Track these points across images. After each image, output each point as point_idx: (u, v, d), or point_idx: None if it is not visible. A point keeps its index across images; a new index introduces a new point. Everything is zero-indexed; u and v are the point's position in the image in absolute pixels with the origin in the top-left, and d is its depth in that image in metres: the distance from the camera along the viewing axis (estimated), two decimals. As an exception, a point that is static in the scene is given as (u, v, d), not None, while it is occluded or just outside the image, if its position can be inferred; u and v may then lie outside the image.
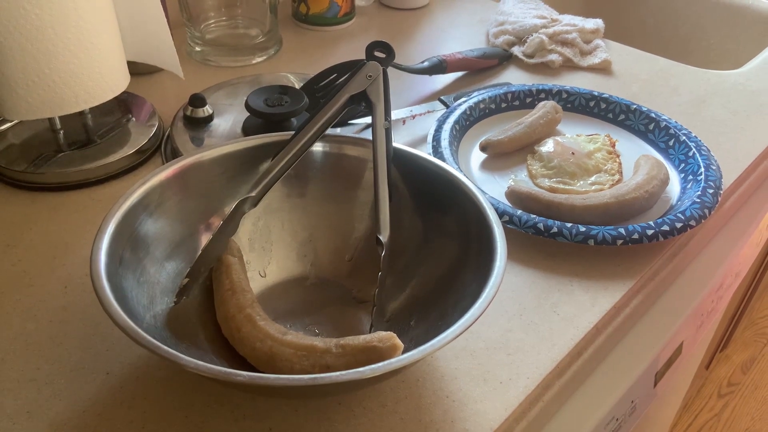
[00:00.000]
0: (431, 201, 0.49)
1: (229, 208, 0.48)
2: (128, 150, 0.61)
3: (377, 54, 0.53)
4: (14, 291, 0.49)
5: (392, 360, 0.34)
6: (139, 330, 0.34)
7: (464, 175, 0.48)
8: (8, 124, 0.61)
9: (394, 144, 0.50)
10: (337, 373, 0.33)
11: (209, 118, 0.64)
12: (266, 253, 0.51)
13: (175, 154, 0.62)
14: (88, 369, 0.44)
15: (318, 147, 0.51)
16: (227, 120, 0.64)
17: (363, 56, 0.52)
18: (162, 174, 0.45)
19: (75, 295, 0.49)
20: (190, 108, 0.63)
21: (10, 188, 0.58)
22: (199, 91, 0.66)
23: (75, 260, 0.52)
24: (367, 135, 0.50)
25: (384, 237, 0.46)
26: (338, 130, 0.63)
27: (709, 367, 1.54)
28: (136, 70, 0.63)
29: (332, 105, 0.50)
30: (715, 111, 0.75)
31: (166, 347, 0.34)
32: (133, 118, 0.65)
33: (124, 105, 0.67)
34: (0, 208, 0.56)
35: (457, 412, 0.42)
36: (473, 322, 0.36)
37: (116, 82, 0.58)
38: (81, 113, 0.62)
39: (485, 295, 0.38)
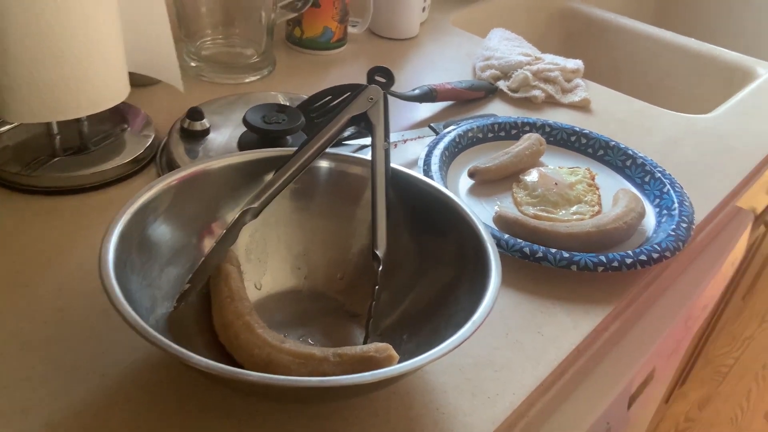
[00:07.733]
0: (428, 221, 0.50)
1: (229, 218, 0.49)
2: (124, 158, 0.62)
3: (378, 78, 0.55)
4: (9, 291, 0.49)
5: (396, 366, 0.35)
6: (149, 328, 0.35)
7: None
8: (7, 127, 0.61)
9: (394, 165, 0.52)
10: (344, 376, 0.34)
11: (206, 132, 0.65)
12: (262, 264, 0.52)
13: (171, 165, 0.62)
14: (84, 370, 0.44)
15: (321, 163, 0.53)
16: (223, 134, 0.66)
17: (353, 81, 0.54)
18: (171, 179, 0.46)
19: (70, 298, 0.49)
20: (187, 120, 0.65)
21: (4, 190, 0.58)
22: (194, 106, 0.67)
23: (70, 264, 0.52)
24: (364, 155, 0.52)
25: (380, 252, 0.48)
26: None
27: (668, 401, 1.58)
28: (132, 81, 0.64)
29: (334, 124, 0.52)
30: (686, 152, 0.79)
31: (176, 345, 0.34)
32: (129, 128, 0.66)
33: (119, 114, 0.68)
34: (-7, 209, 0.56)
35: (447, 424, 0.44)
36: (473, 333, 0.38)
37: (117, 91, 0.59)
38: (78, 120, 0.62)
39: (482, 308, 0.40)
